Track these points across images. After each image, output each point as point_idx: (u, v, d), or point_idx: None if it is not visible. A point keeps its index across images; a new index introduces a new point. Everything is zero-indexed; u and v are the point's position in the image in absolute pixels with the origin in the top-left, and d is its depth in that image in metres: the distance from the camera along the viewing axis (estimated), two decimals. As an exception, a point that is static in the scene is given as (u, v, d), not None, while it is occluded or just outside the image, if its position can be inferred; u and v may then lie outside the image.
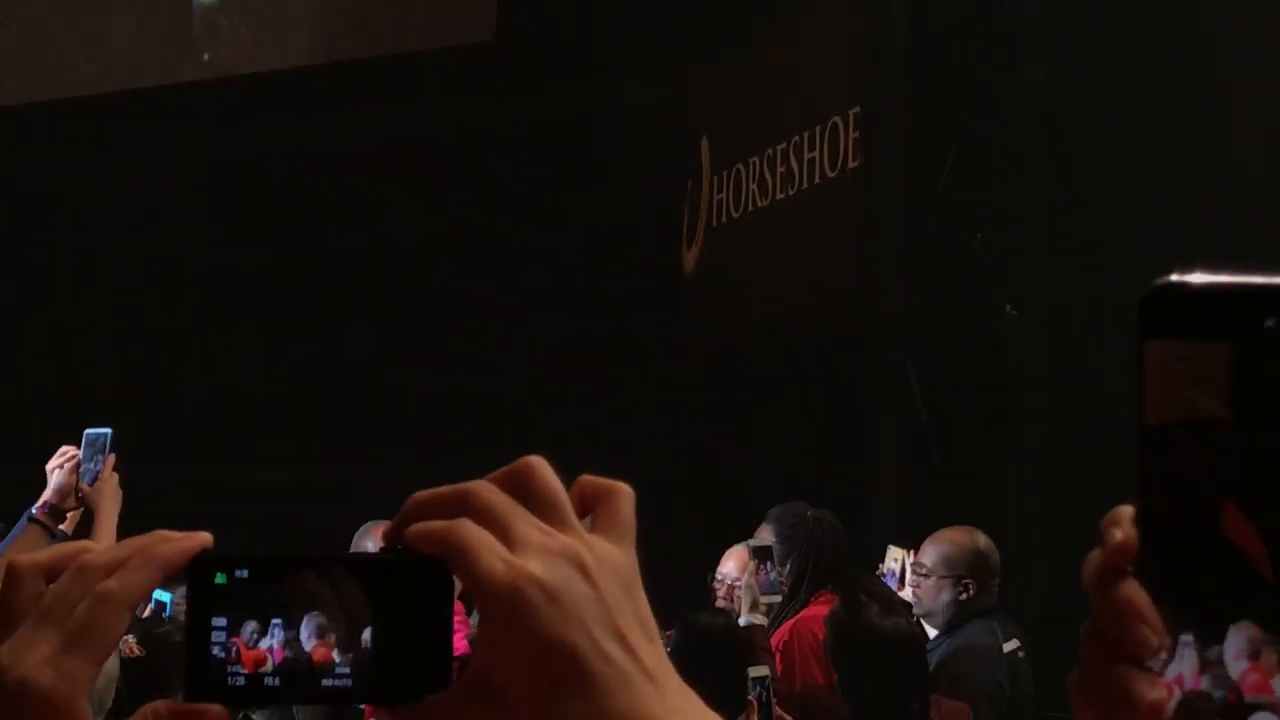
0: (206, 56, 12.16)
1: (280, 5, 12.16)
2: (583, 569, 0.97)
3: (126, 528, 4.99)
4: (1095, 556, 0.87)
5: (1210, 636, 0.84)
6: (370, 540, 7.11)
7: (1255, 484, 0.83)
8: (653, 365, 10.73)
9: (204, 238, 11.91)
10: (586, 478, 1.03)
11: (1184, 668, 0.85)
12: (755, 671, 5.20)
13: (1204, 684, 0.85)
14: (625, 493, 1.02)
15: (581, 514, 1.01)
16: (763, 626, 5.91)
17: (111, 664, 3.70)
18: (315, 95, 11.78)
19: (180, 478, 10.34)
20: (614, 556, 0.99)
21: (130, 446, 5.25)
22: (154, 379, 11.90)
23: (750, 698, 5.13)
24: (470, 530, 0.97)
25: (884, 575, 6.39)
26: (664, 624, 5.81)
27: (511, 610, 0.95)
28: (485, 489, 0.99)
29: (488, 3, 11.74)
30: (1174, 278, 0.85)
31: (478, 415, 11.04)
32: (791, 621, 6.19)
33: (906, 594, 6.16)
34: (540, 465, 1.01)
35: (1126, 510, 0.87)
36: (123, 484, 5.17)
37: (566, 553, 0.97)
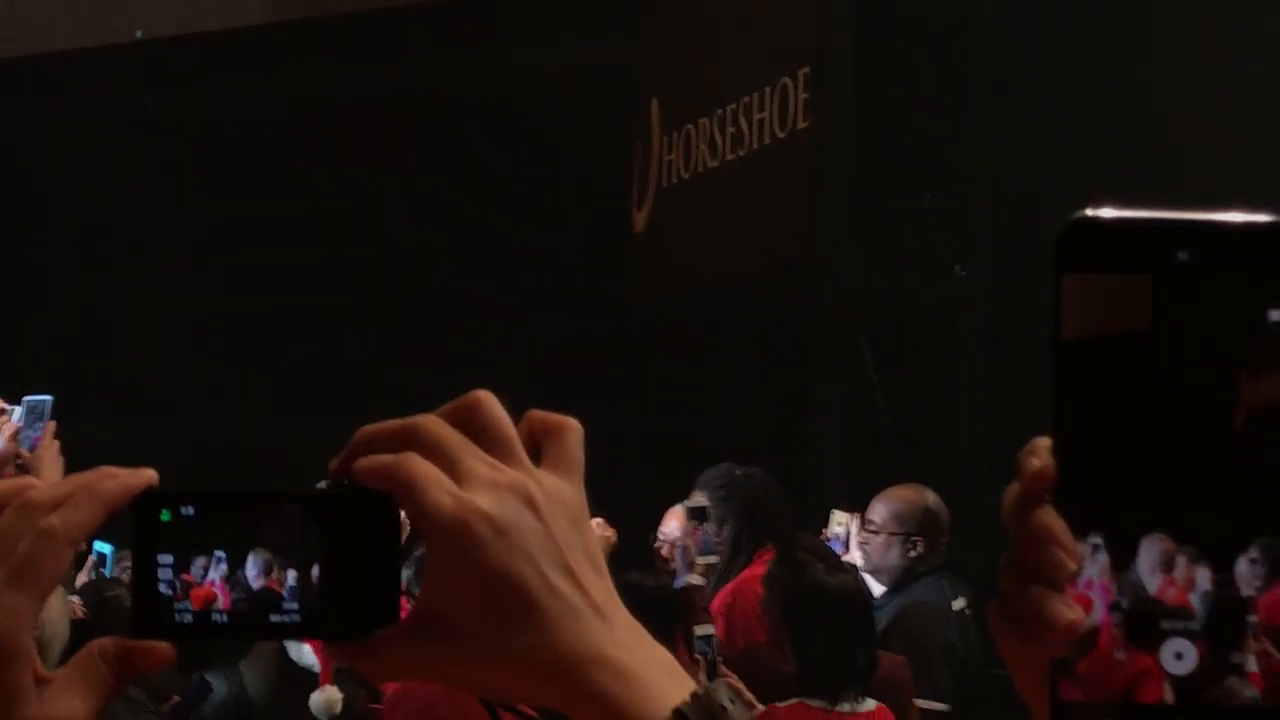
0: (140, 34, 12.07)
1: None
2: (530, 503, 0.96)
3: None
4: (1014, 487, 0.89)
5: (1123, 549, 0.86)
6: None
7: (1169, 407, 0.85)
8: (602, 325, 10.72)
9: (151, 201, 11.84)
10: (535, 412, 1.03)
11: (1093, 570, 0.86)
12: (701, 630, 5.22)
13: (1115, 594, 0.86)
14: (574, 428, 1.02)
15: (530, 449, 1.00)
16: (701, 587, 5.91)
17: (61, 604, 3.66)
18: (255, 54, 11.71)
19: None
20: (562, 491, 0.99)
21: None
22: (103, 359, 11.83)
23: (696, 655, 5.15)
24: (417, 464, 0.96)
25: (829, 540, 6.40)
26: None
27: (459, 544, 0.95)
28: (433, 423, 0.98)
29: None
30: (1089, 212, 0.87)
31: (424, 370, 11.00)
32: (734, 582, 6.20)
33: (853, 557, 6.18)
34: (488, 399, 1.00)
35: (1044, 441, 0.88)
36: (64, 450, 5.13)
37: (514, 487, 0.97)
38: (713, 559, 6.21)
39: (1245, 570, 0.85)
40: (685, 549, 6.11)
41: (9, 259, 11.93)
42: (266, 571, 1.00)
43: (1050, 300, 0.87)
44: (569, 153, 10.91)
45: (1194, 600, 0.85)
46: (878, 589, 6.05)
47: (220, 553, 0.99)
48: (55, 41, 11.96)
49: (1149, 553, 0.85)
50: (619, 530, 5.96)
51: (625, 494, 7.85)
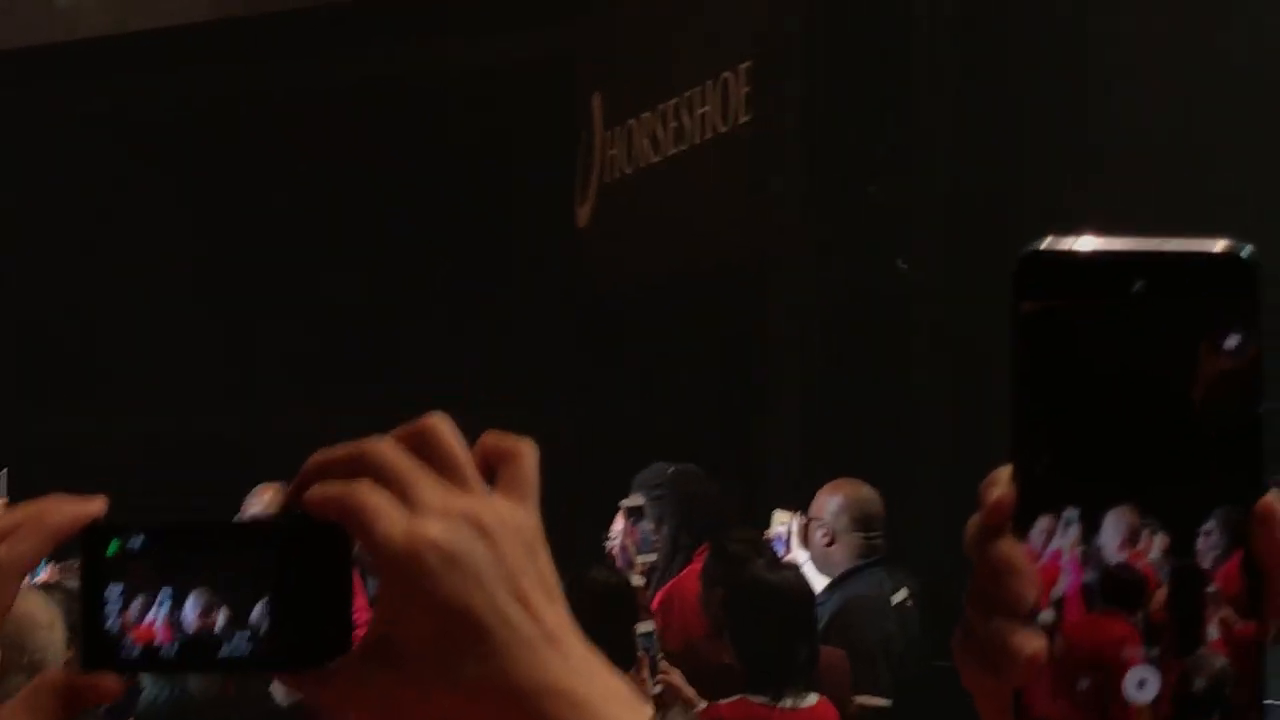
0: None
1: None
2: (483, 531, 0.96)
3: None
4: (974, 519, 0.89)
5: (1089, 523, 0.88)
6: (255, 500, 7.08)
7: (1128, 382, 0.89)
8: (548, 321, 10.72)
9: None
10: (489, 435, 1.01)
11: (1064, 543, 0.88)
12: (643, 628, 5.25)
13: (1086, 575, 0.88)
14: (529, 451, 1.01)
15: (484, 472, 0.99)
16: (641, 587, 5.93)
17: (46, 610, 3.64)
18: (203, 49, 11.67)
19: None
20: (516, 517, 0.97)
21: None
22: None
23: (640, 654, 5.18)
24: (368, 493, 0.95)
25: (772, 540, 6.42)
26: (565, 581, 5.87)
27: (410, 574, 0.94)
28: (385, 449, 0.97)
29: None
30: (1046, 244, 0.90)
31: (378, 368, 11.00)
32: (672, 580, 6.22)
33: (795, 556, 6.20)
34: (442, 423, 0.99)
35: (1004, 471, 0.89)
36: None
37: (467, 514, 0.96)
38: (652, 557, 6.25)
39: (1203, 541, 0.88)
40: (625, 548, 6.15)
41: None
42: (208, 608, 0.99)
43: (1009, 319, 0.90)
44: (510, 147, 10.91)
45: (1156, 570, 0.88)
46: (819, 583, 6.07)
47: (166, 589, 0.98)
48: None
49: (1114, 525, 0.88)
50: (571, 529, 5.97)
51: (575, 491, 7.88)
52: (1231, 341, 0.87)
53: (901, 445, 7.91)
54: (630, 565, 6.11)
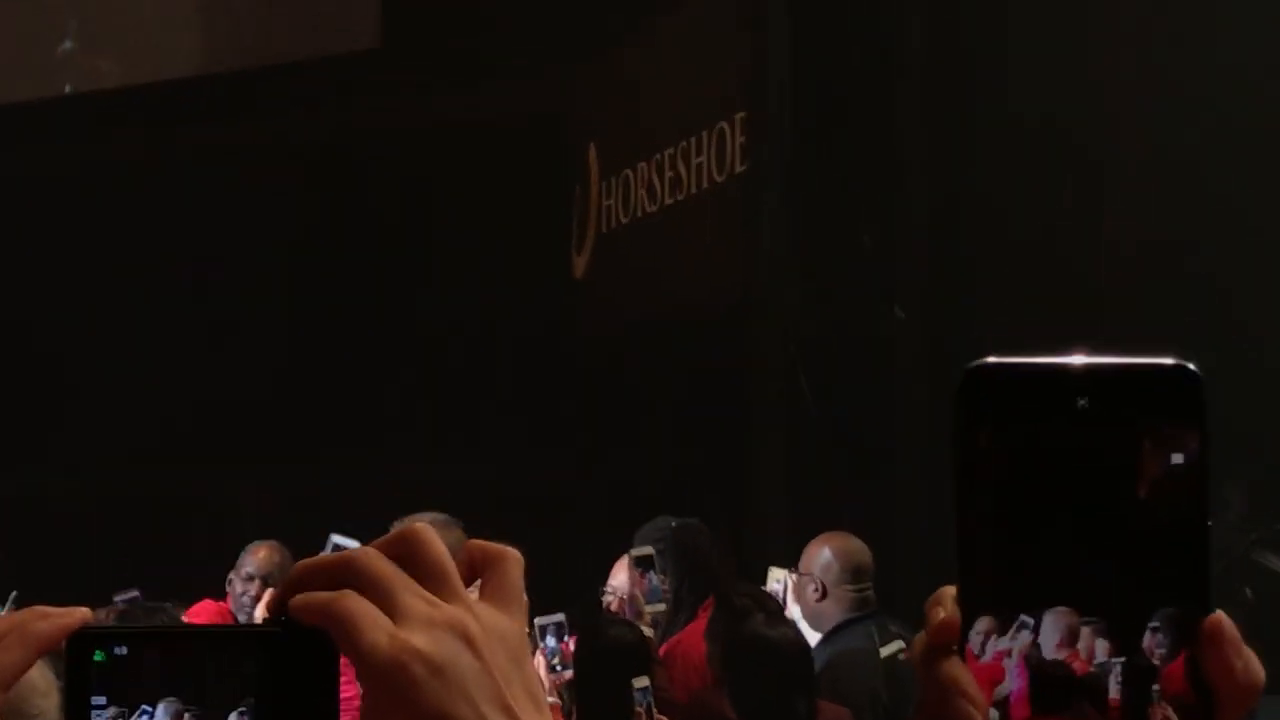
0: (69, 88, 12.03)
1: (164, 13, 12.05)
2: (468, 640, 0.96)
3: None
4: (920, 638, 0.92)
5: (1033, 626, 0.90)
6: (249, 557, 7.07)
7: (1071, 486, 0.91)
8: (543, 370, 10.72)
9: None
10: (474, 543, 1.02)
11: (1010, 644, 0.91)
12: (638, 682, 5.26)
13: (1030, 676, 0.90)
14: (514, 558, 1.01)
15: (469, 579, 1.00)
16: (650, 638, 5.92)
17: (44, 677, 3.64)
18: (197, 103, 11.68)
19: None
20: (501, 626, 0.98)
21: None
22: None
23: (638, 709, 5.18)
24: (353, 602, 0.96)
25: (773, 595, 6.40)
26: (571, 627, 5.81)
27: (395, 685, 0.95)
28: (370, 558, 0.98)
29: (372, 10, 11.68)
30: (991, 361, 0.92)
31: (370, 422, 10.98)
32: (674, 638, 6.20)
33: (791, 612, 6.18)
34: (426, 532, 1.00)
35: (949, 590, 0.91)
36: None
37: (452, 624, 0.96)
38: (661, 607, 6.22)
39: (1149, 640, 0.89)
40: (633, 598, 6.12)
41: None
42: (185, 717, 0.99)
43: (953, 427, 0.92)
44: (508, 198, 10.92)
45: (1098, 670, 0.89)
46: (812, 637, 6.05)
47: (149, 698, 0.99)
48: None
49: (1053, 625, 0.90)
50: (564, 580, 5.97)
51: (568, 540, 7.88)
52: (1179, 456, 0.90)
53: (889, 491, 7.91)
54: (639, 615, 6.09)
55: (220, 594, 7.06)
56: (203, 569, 7.25)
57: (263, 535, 7.24)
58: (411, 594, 0.97)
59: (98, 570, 8.25)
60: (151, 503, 10.64)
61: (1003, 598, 0.90)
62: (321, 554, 1.01)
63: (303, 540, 6.18)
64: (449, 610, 0.97)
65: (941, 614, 0.91)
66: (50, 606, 1.00)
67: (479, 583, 1.02)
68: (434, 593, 0.98)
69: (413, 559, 0.98)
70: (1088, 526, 0.90)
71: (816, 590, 6.20)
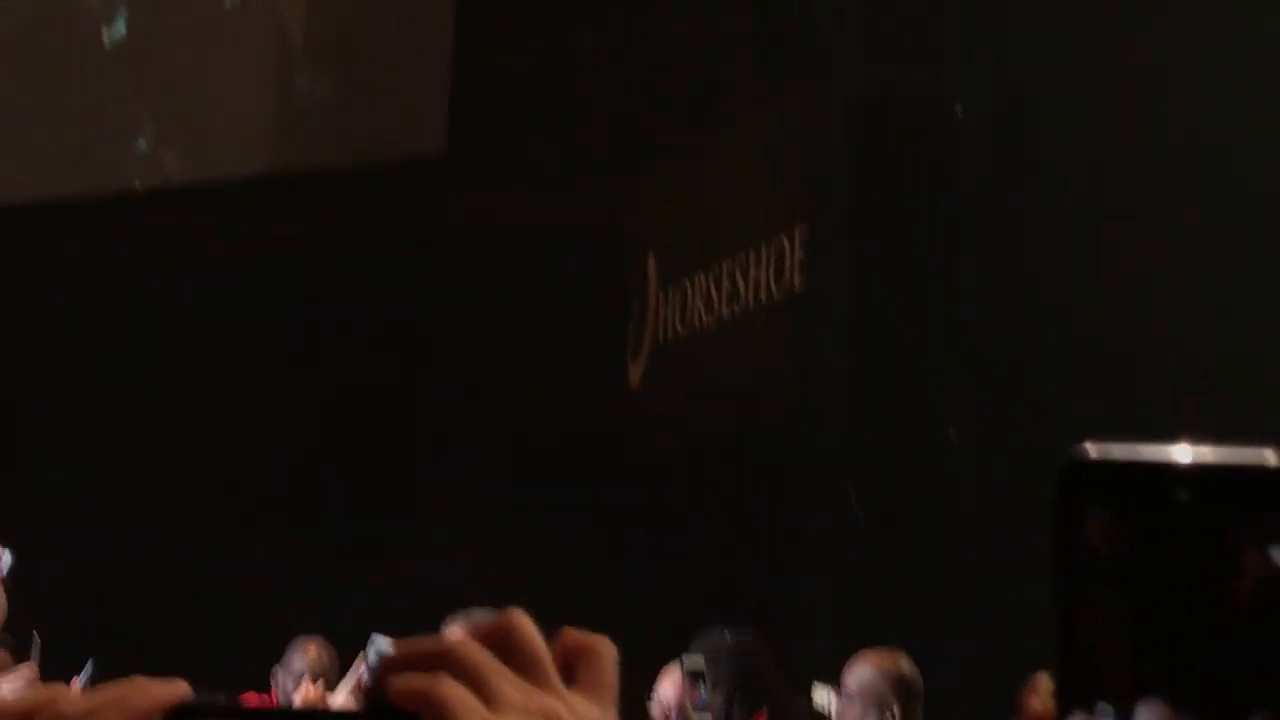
0: (138, 183, 12.19)
1: (232, 113, 12.22)
2: None
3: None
4: None
5: (1124, 717, 0.89)
6: (299, 654, 7.09)
7: (1171, 583, 0.90)
8: (596, 478, 10.73)
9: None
10: (569, 632, 1.03)
11: None
12: None
13: None
14: (608, 650, 1.02)
15: (563, 669, 1.01)
16: None
17: None
18: (260, 204, 11.81)
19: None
20: (593, 716, 0.98)
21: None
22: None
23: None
24: (450, 687, 0.96)
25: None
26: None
27: None
28: (466, 645, 0.99)
29: (438, 115, 11.81)
30: (1092, 453, 0.92)
31: (421, 521, 11.01)
32: None
33: None
34: (522, 621, 1.00)
35: (1045, 681, 0.91)
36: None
37: (546, 714, 0.96)
38: (707, 716, 6.20)
39: None
40: (682, 707, 6.09)
41: None
42: None
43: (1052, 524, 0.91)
44: (565, 306, 10.98)
45: None
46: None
47: None
48: (55, 188, 12.06)
49: (1146, 716, 0.89)
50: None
51: (618, 646, 7.82)
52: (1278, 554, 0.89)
53: (937, 612, 7.87)
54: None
55: (250, 685, 7.07)
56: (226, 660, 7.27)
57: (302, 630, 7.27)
58: (506, 682, 0.97)
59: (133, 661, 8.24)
60: (190, 598, 10.66)
61: (1100, 690, 0.89)
62: (411, 639, 1.02)
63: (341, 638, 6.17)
64: (543, 699, 0.97)
65: (1036, 704, 0.90)
66: (150, 679, 0.99)
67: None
68: (528, 681, 0.98)
69: (508, 647, 0.99)
70: (1184, 622, 0.90)
71: (863, 710, 6.15)
